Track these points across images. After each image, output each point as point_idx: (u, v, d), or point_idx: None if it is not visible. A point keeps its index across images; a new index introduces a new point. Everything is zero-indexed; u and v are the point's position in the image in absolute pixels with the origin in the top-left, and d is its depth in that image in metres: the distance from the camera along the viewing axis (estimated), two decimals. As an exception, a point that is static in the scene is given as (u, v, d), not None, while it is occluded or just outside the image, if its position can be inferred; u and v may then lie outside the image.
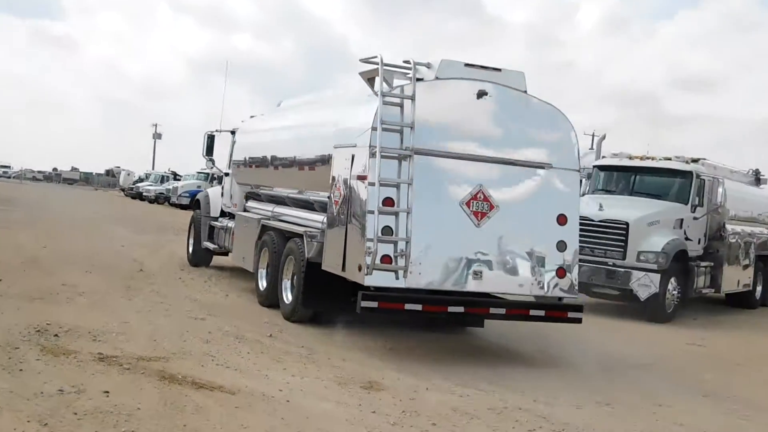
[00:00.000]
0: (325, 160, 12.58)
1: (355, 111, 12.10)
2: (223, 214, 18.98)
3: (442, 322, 13.32)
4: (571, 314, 11.85)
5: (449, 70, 11.66)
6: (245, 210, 17.29)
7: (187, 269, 18.74)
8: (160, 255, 21.23)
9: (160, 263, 19.40)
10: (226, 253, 18.38)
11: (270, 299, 14.18)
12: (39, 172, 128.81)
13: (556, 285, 11.78)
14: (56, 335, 10.29)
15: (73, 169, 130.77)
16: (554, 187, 11.90)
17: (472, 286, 11.40)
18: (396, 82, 11.53)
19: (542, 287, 11.74)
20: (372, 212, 10.83)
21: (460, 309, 11.38)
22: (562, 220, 11.84)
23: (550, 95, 13.44)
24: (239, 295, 15.56)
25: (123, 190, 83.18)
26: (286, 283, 13.47)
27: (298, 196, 14.45)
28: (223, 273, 18.65)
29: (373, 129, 11.06)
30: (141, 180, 77.33)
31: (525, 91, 11.97)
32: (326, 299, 12.40)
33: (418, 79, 11.50)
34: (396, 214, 10.97)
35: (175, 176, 67.32)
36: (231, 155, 18.63)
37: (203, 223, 19.50)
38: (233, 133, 18.84)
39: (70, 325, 10.90)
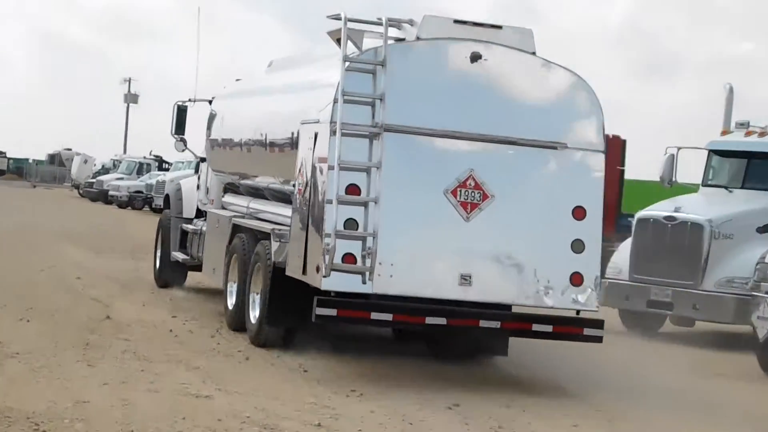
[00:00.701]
0: (294, 140, 10.54)
1: (323, 77, 10.08)
2: (199, 213, 14.89)
3: (460, 350, 11.04)
4: (587, 331, 9.64)
5: (434, 28, 9.60)
6: (222, 207, 13.90)
7: (182, 313, 12.81)
8: (137, 292, 14.66)
9: (139, 305, 13.31)
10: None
11: (238, 320, 11.58)
12: None
13: (569, 295, 9.55)
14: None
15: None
16: (570, 172, 9.73)
17: (458, 293, 9.39)
18: (372, 42, 9.49)
19: (550, 297, 9.52)
20: (330, 202, 8.94)
21: (442, 320, 9.38)
22: (579, 213, 9.63)
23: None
24: (266, 356, 10.41)
25: (77, 187, 58.53)
26: (255, 298, 11.07)
27: (274, 187, 11.94)
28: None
29: (335, 101, 9.09)
30: (105, 170, 52.99)
31: (533, 53, 9.76)
32: (296, 314, 10.00)
33: (399, 40, 9.51)
34: (365, 204, 9.05)
35: (161, 164, 46.88)
36: (208, 134, 14.90)
37: (173, 226, 15.24)
38: (212, 103, 14.97)
39: (-2, 407, 7.03)
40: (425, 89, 9.46)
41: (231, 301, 11.97)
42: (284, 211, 10.99)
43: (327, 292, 9.03)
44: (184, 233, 14.83)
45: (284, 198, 11.31)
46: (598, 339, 9.68)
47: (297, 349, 10.46)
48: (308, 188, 9.63)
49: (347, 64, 9.16)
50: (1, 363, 8.78)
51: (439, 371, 9.94)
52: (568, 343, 10.34)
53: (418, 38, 9.54)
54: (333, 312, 9.03)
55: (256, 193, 12.73)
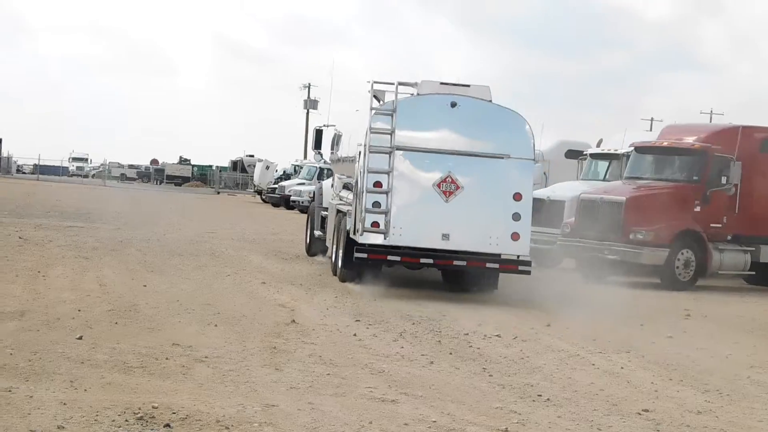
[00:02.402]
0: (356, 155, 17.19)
1: (363, 119, 16.62)
2: None
3: (465, 284, 16.89)
4: (521, 267, 15.81)
5: (427, 87, 16.00)
6: (340, 199, 19.17)
7: (365, 317, 13.04)
8: (321, 296, 15.08)
9: (322, 310, 13.61)
10: None
11: (334, 267, 17.81)
12: (130, 166, 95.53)
13: (511, 246, 15.76)
14: (168, 426, 6.71)
15: (182, 161, 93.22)
16: (512, 172, 15.82)
17: (441, 245, 15.65)
18: (390, 96, 16.03)
19: (499, 247, 15.77)
20: (367, 191, 15.49)
21: (430, 261, 15.73)
22: (517, 197, 15.75)
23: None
24: (454, 362, 10.21)
25: (259, 192, 59.67)
26: (339, 253, 17.27)
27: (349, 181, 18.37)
28: (423, 318, 13.32)
29: (366, 133, 15.66)
30: (287, 176, 54.94)
31: (490, 101, 16.06)
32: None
33: (409, 92, 16.03)
34: (387, 193, 15.53)
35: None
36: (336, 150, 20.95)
37: (316, 213, 21.43)
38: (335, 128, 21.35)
39: (188, 410, 7.15)
40: (422, 124, 15.76)
41: (332, 257, 18.25)
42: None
43: (362, 245, 15.60)
44: (322, 218, 20.79)
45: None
46: (528, 272, 15.85)
47: (479, 354, 10.71)
48: (358, 182, 16.21)
49: (373, 112, 15.75)
50: (191, 367, 8.85)
51: (626, 376, 9.97)
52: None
53: (418, 94, 16.05)
54: (365, 255, 15.52)
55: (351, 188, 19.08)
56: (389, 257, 15.63)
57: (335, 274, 17.56)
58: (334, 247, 18.04)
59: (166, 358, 9.11)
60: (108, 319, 11.30)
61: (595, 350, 11.54)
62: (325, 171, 47.74)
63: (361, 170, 15.90)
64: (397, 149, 15.62)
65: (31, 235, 22.47)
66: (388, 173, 15.59)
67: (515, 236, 15.74)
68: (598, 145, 26.16)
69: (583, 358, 10.93)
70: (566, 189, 23.33)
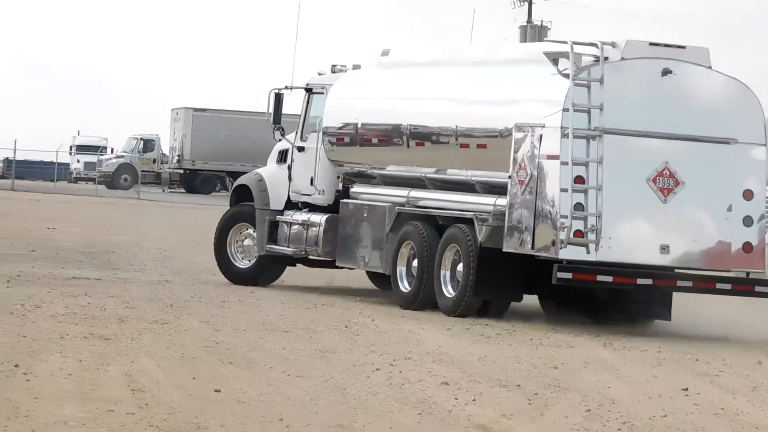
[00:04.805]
0: (502, 138, 12.85)
1: (538, 89, 12.50)
2: (290, 205, 15.27)
3: (620, 317, 13.37)
4: (758, 288, 12.17)
5: (634, 50, 12.04)
6: (349, 197, 14.89)
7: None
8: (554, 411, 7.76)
9: None
10: (302, 260, 15.20)
11: (419, 300, 13.27)
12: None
13: (742, 260, 12.08)
14: None
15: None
16: (739, 162, 12.25)
17: (660, 260, 11.91)
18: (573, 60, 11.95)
19: (728, 262, 12.04)
20: (566, 190, 11.49)
21: (649, 281, 11.92)
22: (748, 195, 12.18)
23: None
24: None
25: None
26: (445, 275, 13.05)
27: (447, 177, 13.82)
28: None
29: (565, 110, 11.51)
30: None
31: (709, 67, 12.26)
32: (498, 286, 12.66)
33: (597, 58, 11.97)
34: (585, 191, 11.50)
35: None
36: (303, 122, 15.33)
37: (259, 219, 15.23)
38: (309, 91, 15.25)
39: None
40: (628, 98, 11.99)
41: (405, 284, 13.54)
42: (468, 198, 13.31)
43: (561, 261, 11.51)
44: (275, 225, 15.10)
45: (458, 187, 13.49)
46: (767, 295, 12.22)
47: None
48: (533, 179, 12.03)
49: (574, 81, 11.62)
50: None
51: None
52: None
53: (623, 58, 12.01)
54: (569, 275, 11.53)
55: (409, 182, 14.27)
56: (599, 277, 11.68)
57: (407, 307, 13.26)
58: (404, 269, 13.52)
59: None
60: None
61: None
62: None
63: (544, 161, 11.81)
64: (605, 132, 11.60)
65: (3, 296, 12.94)
66: (588, 164, 11.55)
67: (747, 247, 12.07)
68: None
69: None
70: None
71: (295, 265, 15.56)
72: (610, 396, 8.21)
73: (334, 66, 15.51)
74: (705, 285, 12.21)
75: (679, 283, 12.05)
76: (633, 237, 11.90)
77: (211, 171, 51.63)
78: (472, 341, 10.93)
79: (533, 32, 49.85)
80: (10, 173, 52.95)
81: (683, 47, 12.27)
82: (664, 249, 11.89)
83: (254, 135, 43.10)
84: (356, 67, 15.44)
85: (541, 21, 52.51)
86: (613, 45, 12.18)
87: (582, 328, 12.07)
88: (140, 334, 10.41)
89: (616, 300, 13.17)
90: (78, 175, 60.05)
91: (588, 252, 11.58)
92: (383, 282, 14.84)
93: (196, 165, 51.34)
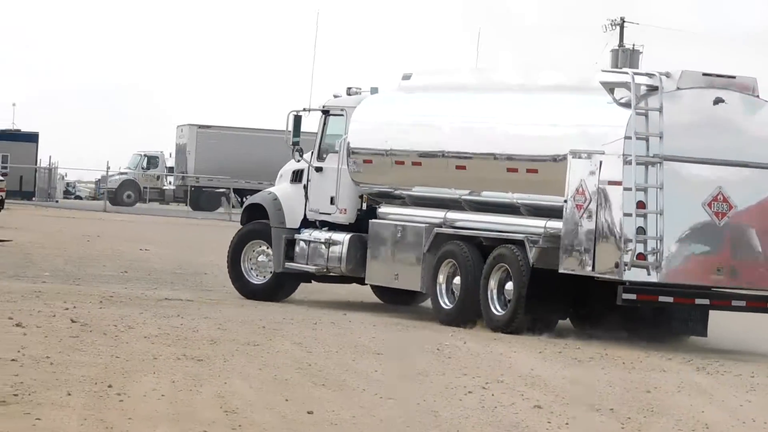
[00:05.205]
0: (555, 163, 13.30)
1: (594, 116, 13.01)
2: (306, 223, 15.71)
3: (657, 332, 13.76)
4: None
5: (689, 80, 12.66)
6: (377, 217, 15.15)
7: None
8: None
9: None
10: (322, 278, 15.60)
11: (461, 315, 13.78)
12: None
13: None
14: None
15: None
16: None
17: (715, 281, 12.61)
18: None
19: None
20: (629, 214, 12.07)
21: (706, 301, 12.60)
22: None
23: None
24: None
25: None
26: (492, 293, 13.50)
27: (487, 199, 14.14)
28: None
29: (627, 138, 12.09)
30: None
31: (757, 96, 12.91)
32: (547, 304, 13.22)
33: (652, 88, 12.61)
34: (646, 215, 12.20)
35: None
36: (320, 143, 15.71)
37: (276, 237, 15.63)
38: (326, 112, 15.72)
39: None
40: (684, 126, 12.63)
41: (445, 300, 14.05)
42: (514, 220, 13.70)
43: (624, 283, 12.12)
44: (292, 243, 15.48)
45: (499, 209, 13.87)
46: None
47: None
48: (592, 203, 12.50)
49: (634, 111, 12.22)
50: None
51: None
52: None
53: (678, 88, 12.64)
54: (633, 296, 12.17)
55: (444, 203, 14.55)
56: (661, 298, 12.32)
57: (448, 323, 13.71)
58: (444, 286, 13.98)
59: None
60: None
61: None
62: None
63: (605, 186, 12.35)
64: (664, 159, 12.22)
65: (94, 317, 13.10)
66: (648, 190, 12.16)
67: None
68: None
69: None
70: None
71: (310, 282, 15.93)
72: (703, 421, 8.43)
73: (349, 88, 15.79)
74: (758, 304, 12.89)
75: (734, 302, 12.75)
76: (690, 259, 12.54)
77: (216, 188, 51.40)
78: (564, 365, 11.14)
79: (624, 56, 48.53)
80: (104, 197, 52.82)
81: (734, 77, 12.92)
82: (720, 270, 12.52)
83: (259, 151, 44.00)
84: (374, 90, 15.74)
85: (633, 45, 51.74)
86: (668, 75, 12.79)
87: (674, 351, 12.45)
88: (233, 356, 10.55)
89: (657, 317, 13.77)
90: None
91: (648, 273, 12.19)
92: (385, 295, 15.96)
93: (200, 182, 50.89)
